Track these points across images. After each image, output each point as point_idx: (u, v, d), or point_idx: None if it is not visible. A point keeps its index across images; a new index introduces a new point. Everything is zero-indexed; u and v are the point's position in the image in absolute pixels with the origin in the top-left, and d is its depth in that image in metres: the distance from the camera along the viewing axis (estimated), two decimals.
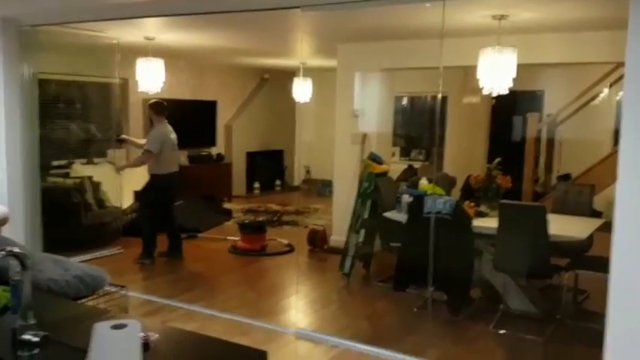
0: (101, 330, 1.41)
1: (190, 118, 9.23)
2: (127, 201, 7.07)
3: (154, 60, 6.20)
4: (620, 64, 3.00)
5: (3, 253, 1.56)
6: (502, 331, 4.31)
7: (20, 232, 5.09)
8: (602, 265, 3.27)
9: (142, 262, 5.94)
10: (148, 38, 5.92)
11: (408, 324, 4.52)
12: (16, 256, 1.61)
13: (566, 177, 7.33)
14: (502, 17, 4.30)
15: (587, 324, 4.31)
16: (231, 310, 4.55)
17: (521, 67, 4.54)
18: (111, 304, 2.54)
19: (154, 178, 5.95)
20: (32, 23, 4.95)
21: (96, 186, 6.86)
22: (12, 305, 1.82)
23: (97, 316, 1.83)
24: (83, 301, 2.50)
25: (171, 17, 4.74)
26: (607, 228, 3.12)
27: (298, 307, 4.70)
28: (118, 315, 2.12)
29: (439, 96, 5.59)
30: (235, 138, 10.25)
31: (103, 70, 6.88)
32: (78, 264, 2.77)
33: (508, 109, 8.64)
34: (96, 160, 7.58)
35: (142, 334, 1.57)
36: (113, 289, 2.66)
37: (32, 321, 1.62)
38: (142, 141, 6.20)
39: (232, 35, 6.07)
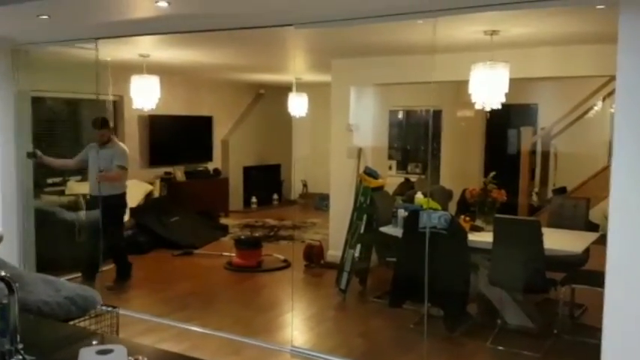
0: (86, 356, 1.38)
1: (186, 134, 9.27)
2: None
3: (149, 77, 6.20)
4: (613, 78, 3.01)
5: None
6: (500, 348, 4.28)
7: (14, 251, 5.07)
8: (597, 279, 3.25)
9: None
10: (142, 55, 5.94)
11: (405, 341, 4.48)
12: (2, 279, 1.59)
13: (561, 190, 7.32)
14: (493, 33, 4.32)
15: (584, 338, 4.27)
16: (225, 329, 4.51)
17: (514, 81, 4.55)
18: (102, 325, 2.52)
19: (115, 198, 5.59)
20: (25, 41, 4.96)
21: None
22: (0, 329, 1.80)
23: (86, 339, 1.81)
24: (75, 322, 2.48)
25: (165, 35, 4.76)
26: (604, 241, 3.11)
27: (294, 325, 4.66)
28: (108, 338, 2.10)
29: (431, 110, 5.61)
30: (232, 153, 10.25)
31: (95, 87, 6.88)
32: (70, 284, 2.76)
33: (503, 123, 8.65)
34: None
35: (131, 357, 1.54)
36: (105, 309, 2.64)
37: (20, 345, 1.60)
38: (59, 161, 5.90)
39: (227, 52, 6.09)
